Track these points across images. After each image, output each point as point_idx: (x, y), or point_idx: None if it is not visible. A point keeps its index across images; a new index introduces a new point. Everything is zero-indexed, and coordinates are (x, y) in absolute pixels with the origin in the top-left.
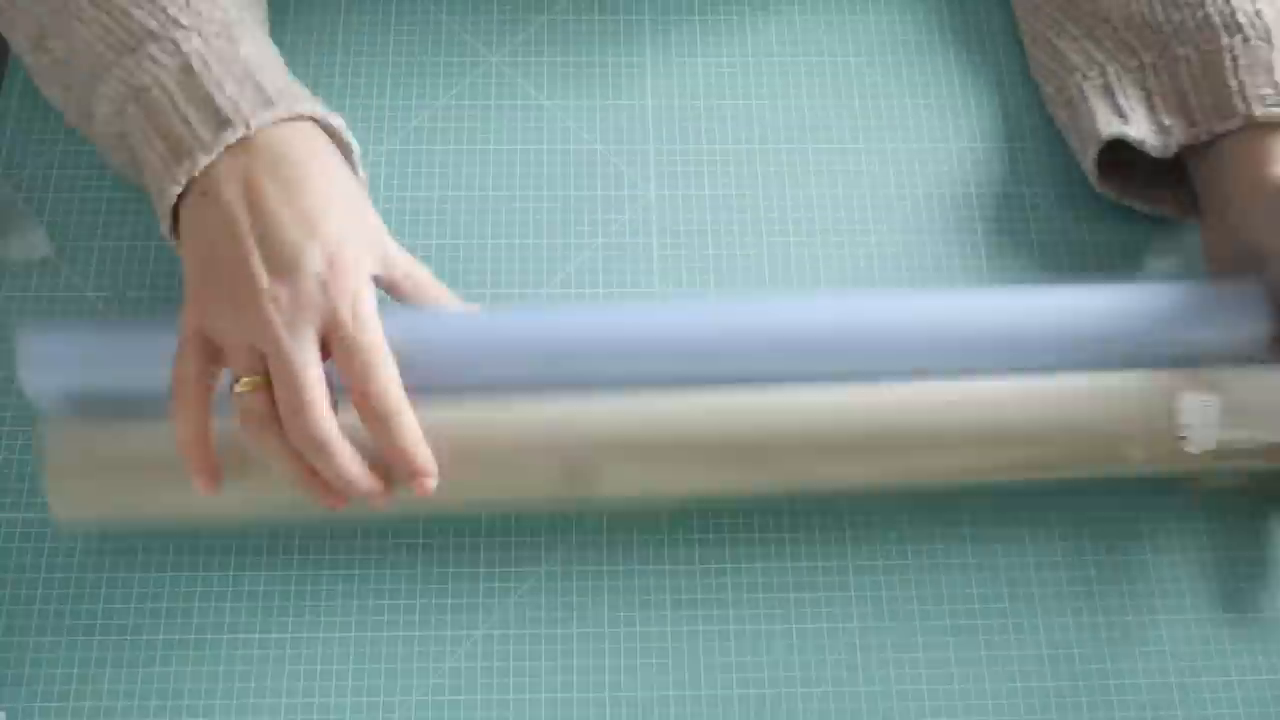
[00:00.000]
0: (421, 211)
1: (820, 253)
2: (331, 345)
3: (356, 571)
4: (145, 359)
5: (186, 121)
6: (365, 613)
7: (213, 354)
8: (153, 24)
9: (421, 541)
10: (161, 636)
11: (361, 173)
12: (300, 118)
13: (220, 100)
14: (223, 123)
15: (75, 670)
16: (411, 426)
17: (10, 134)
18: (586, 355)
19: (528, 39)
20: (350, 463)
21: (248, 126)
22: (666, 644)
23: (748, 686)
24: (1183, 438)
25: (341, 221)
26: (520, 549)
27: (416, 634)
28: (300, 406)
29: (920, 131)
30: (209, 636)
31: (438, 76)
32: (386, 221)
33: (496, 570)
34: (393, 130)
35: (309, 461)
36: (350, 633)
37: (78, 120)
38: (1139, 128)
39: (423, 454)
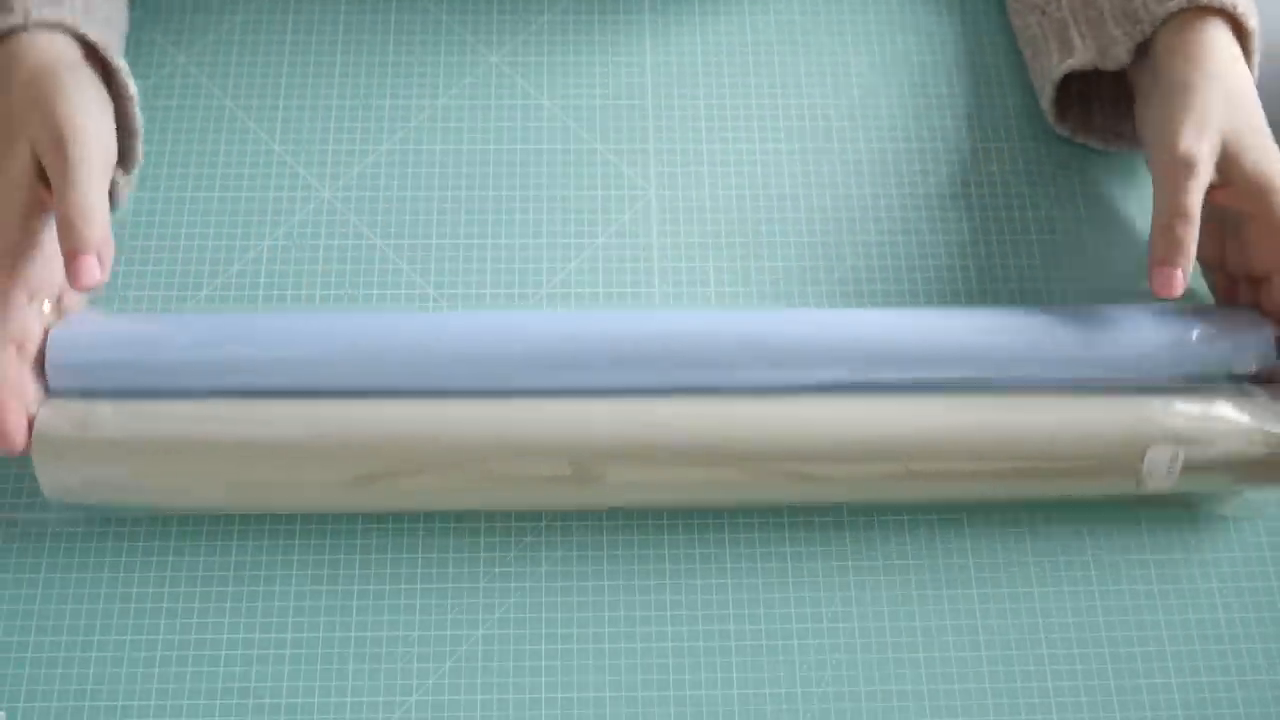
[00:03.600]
0: (421, 211)
1: (821, 252)
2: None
3: (356, 571)
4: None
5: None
6: (365, 613)
7: None
8: None
9: (421, 541)
10: (161, 637)
11: (131, 89)
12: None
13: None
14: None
15: (75, 670)
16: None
17: None
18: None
19: (528, 39)
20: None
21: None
22: (666, 644)
23: (748, 686)
24: (1143, 481)
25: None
26: (520, 548)
27: (416, 634)
28: None
29: (920, 131)
30: (209, 637)
31: (438, 76)
32: (387, 221)
33: (496, 570)
34: (393, 130)
35: None
36: (350, 633)
37: None
38: (1086, 52)
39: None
